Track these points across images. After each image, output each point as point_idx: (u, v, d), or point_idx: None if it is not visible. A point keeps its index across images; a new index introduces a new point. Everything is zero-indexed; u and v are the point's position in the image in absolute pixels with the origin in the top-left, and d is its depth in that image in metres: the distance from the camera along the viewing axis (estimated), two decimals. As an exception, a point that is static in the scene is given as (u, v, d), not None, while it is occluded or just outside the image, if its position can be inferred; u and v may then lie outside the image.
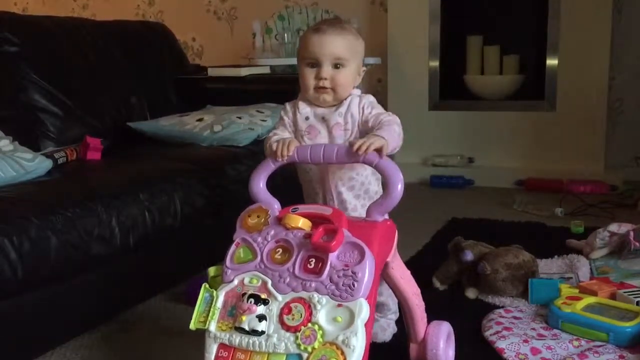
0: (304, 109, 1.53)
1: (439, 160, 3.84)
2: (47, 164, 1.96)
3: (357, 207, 1.54)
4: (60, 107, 2.46)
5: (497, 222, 2.80)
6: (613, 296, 1.79)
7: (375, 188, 1.57)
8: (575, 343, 1.61)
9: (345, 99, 1.51)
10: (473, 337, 1.70)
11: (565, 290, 1.84)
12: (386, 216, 1.33)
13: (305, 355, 1.16)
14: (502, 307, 1.88)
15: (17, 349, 1.60)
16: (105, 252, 1.75)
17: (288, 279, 1.22)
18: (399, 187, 1.28)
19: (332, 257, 1.21)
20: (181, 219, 1.99)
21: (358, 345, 1.14)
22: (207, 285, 1.29)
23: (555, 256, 2.25)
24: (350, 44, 1.50)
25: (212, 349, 1.23)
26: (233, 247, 1.31)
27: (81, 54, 2.66)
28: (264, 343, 1.19)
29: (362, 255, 1.20)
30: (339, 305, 1.18)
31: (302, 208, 1.32)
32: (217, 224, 1.96)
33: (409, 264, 2.26)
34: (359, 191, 1.55)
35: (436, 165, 3.84)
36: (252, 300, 1.21)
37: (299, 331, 1.18)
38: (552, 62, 3.62)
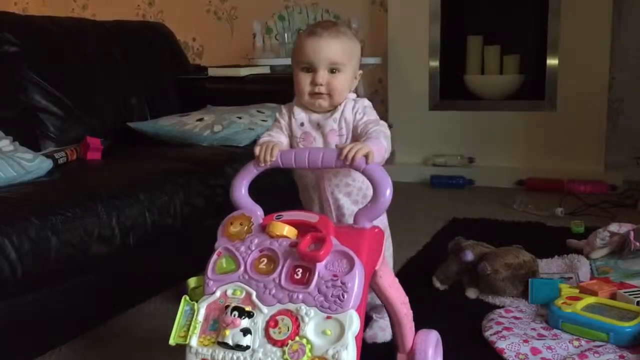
0: (299, 114, 1.50)
1: (439, 160, 3.84)
2: (48, 164, 1.96)
3: (354, 213, 1.48)
4: (61, 107, 2.46)
5: (498, 222, 2.80)
6: (613, 296, 1.79)
7: None
8: (576, 343, 1.61)
9: (340, 103, 1.48)
10: (473, 337, 1.70)
11: (565, 290, 1.84)
12: (382, 220, 1.31)
13: None
14: (502, 307, 1.88)
15: (17, 350, 1.60)
16: (105, 252, 1.75)
17: (274, 290, 1.16)
18: (387, 193, 1.23)
19: (320, 266, 1.15)
20: (181, 219, 1.99)
21: (349, 359, 1.09)
22: (187, 298, 1.22)
23: (556, 256, 2.25)
24: (347, 47, 1.46)
25: None
26: (215, 256, 1.25)
27: (81, 54, 2.67)
28: (249, 358, 1.13)
29: (351, 264, 1.15)
30: (328, 318, 1.12)
31: (287, 215, 1.25)
32: (217, 225, 1.95)
33: (409, 263, 2.29)
34: (356, 197, 1.52)
35: (436, 165, 3.84)
36: (236, 313, 1.15)
37: (286, 345, 1.12)
38: (552, 62, 3.62)
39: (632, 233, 2.13)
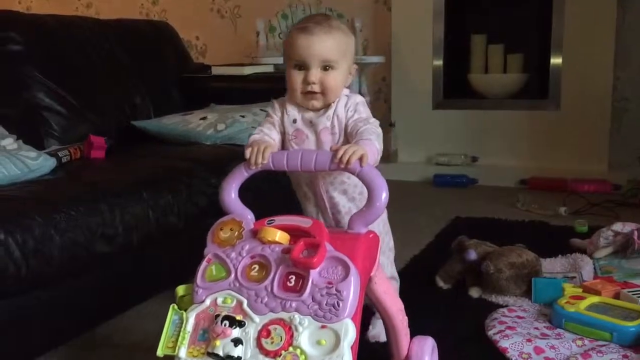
0: (292, 111, 1.45)
1: (442, 159, 3.84)
2: (51, 162, 1.97)
3: (351, 210, 1.46)
4: (65, 106, 2.46)
5: (501, 221, 2.80)
6: (617, 295, 1.79)
7: None
8: (579, 342, 1.61)
9: (334, 101, 1.43)
10: (476, 336, 1.70)
11: (568, 289, 1.83)
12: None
13: None
14: (506, 306, 1.88)
15: (20, 348, 1.60)
16: (108, 250, 1.75)
17: (266, 299, 1.11)
18: (383, 197, 1.19)
19: (314, 273, 1.11)
20: (185, 218, 2.00)
21: None
22: (176, 306, 1.17)
23: (559, 255, 2.24)
24: (340, 43, 1.40)
25: None
26: (204, 263, 1.19)
27: (85, 52, 2.67)
28: None
29: (346, 271, 1.10)
30: (323, 327, 1.07)
31: (279, 220, 1.21)
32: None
33: (412, 262, 2.29)
34: (352, 194, 1.48)
35: (440, 164, 3.84)
36: (227, 322, 1.10)
37: (280, 356, 1.07)
38: (556, 60, 3.61)
39: (635, 232, 2.13)
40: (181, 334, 1.13)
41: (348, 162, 1.21)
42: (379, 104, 4.13)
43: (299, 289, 1.11)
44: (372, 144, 1.30)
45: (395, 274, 1.72)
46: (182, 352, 1.12)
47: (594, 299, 1.75)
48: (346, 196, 1.48)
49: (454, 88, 3.90)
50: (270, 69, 3.46)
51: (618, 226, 2.25)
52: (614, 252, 2.19)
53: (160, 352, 1.14)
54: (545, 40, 3.66)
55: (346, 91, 1.46)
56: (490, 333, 1.69)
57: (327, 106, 1.43)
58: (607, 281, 1.89)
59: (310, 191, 1.50)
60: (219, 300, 1.15)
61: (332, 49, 1.38)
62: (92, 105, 2.57)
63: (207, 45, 4.66)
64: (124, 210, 1.80)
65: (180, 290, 1.37)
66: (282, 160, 1.28)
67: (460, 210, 2.97)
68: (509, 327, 1.69)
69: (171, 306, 1.17)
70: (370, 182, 1.21)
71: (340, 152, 1.22)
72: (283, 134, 1.46)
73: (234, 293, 1.14)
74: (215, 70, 3.25)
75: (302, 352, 1.06)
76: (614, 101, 3.62)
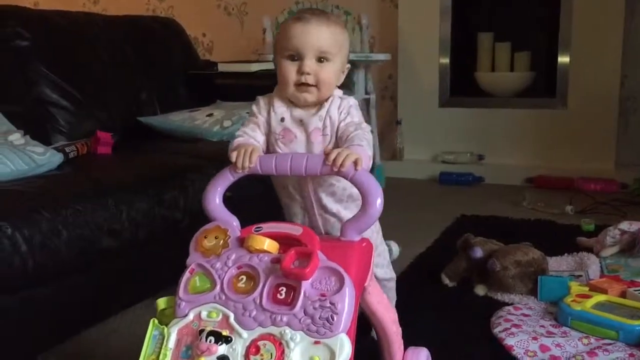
0: (280, 108, 1.35)
1: (448, 157, 3.84)
2: (58, 158, 1.97)
3: (340, 211, 1.37)
4: (71, 102, 2.47)
5: (507, 220, 2.80)
6: (623, 294, 1.79)
7: None
8: (585, 341, 1.61)
9: (327, 100, 1.34)
10: (482, 334, 1.70)
11: (575, 288, 1.83)
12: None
13: None
14: (511, 304, 1.88)
15: (27, 343, 1.61)
16: (115, 246, 1.76)
17: (254, 312, 1.03)
18: (377, 203, 1.11)
19: (306, 285, 1.03)
20: (190, 215, 2.00)
21: None
22: (156, 321, 1.09)
23: (565, 254, 2.24)
24: (337, 36, 1.32)
25: None
26: (187, 274, 1.11)
27: (92, 48, 2.67)
28: None
29: (340, 282, 1.03)
30: (317, 343, 0.99)
31: (267, 227, 1.13)
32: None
33: (418, 260, 2.29)
34: (341, 196, 1.37)
35: (446, 162, 3.83)
36: (212, 338, 1.02)
37: None
38: (563, 59, 3.60)
39: (642, 231, 2.13)
40: (162, 351, 1.05)
41: (342, 165, 1.14)
42: (385, 101, 4.13)
43: (290, 302, 1.03)
44: (364, 150, 1.22)
45: (394, 274, 1.64)
46: None
47: (600, 298, 1.75)
48: (334, 198, 1.38)
49: (461, 86, 3.90)
50: (276, 66, 3.46)
51: (625, 225, 2.24)
52: (621, 251, 2.19)
53: None
54: (552, 38, 3.65)
55: (339, 92, 1.38)
56: (496, 331, 1.69)
57: (319, 104, 1.34)
58: (614, 280, 1.88)
59: (297, 192, 1.39)
60: (204, 314, 1.07)
61: (328, 39, 1.31)
62: (98, 101, 2.58)
63: (213, 42, 4.66)
64: (130, 205, 1.80)
65: (161, 303, 1.25)
66: (270, 164, 1.21)
67: (466, 208, 2.97)
68: (515, 325, 1.69)
69: (151, 320, 1.08)
70: (365, 187, 1.13)
71: (334, 155, 1.16)
72: (268, 134, 1.37)
73: (219, 306, 1.06)
74: (222, 67, 3.25)
75: None
76: (621, 100, 3.61)
